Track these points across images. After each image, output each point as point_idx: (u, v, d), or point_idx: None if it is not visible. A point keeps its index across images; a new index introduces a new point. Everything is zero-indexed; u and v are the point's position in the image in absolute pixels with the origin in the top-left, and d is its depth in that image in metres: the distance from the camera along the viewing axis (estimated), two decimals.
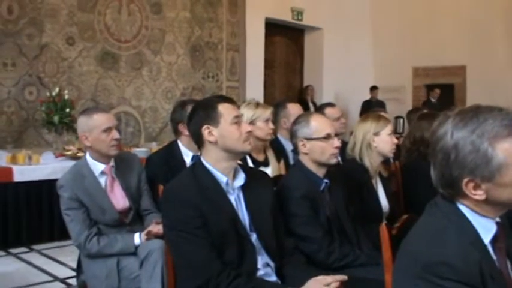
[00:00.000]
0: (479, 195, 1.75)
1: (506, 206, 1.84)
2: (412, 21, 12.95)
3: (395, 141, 3.99)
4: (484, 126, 1.73)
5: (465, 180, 1.74)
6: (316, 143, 3.36)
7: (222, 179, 2.82)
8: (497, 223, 1.84)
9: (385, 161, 4.24)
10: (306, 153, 3.39)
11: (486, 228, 1.81)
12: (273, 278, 2.87)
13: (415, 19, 12.93)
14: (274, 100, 10.85)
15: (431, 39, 12.69)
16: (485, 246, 1.80)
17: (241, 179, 2.88)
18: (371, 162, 3.90)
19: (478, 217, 1.81)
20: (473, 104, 1.86)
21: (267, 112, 4.36)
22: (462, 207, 1.82)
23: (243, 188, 2.89)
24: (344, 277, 2.71)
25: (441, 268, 1.68)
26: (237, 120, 2.86)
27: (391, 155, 4.04)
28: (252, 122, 4.18)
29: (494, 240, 1.84)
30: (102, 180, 3.76)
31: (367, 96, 12.82)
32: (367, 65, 13.47)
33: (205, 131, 2.81)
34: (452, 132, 1.76)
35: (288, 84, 13.02)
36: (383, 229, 2.31)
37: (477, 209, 1.81)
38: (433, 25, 12.74)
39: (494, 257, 1.84)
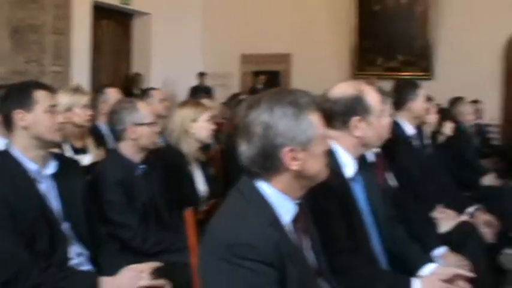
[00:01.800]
0: (296, 165, 1.86)
1: (313, 181, 1.98)
2: (241, 8, 13.17)
3: (213, 127, 4.06)
4: (299, 99, 1.89)
5: (286, 149, 1.85)
6: (145, 128, 3.37)
7: (32, 167, 2.73)
8: (297, 204, 1.96)
9: (205, 146, 4.30)
10: (135, 139, 3.36)
11: (286, 209, 1.93)
12: (87, 267, 2.84)
13: (245, 7, 13.15)
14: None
15: (259, 27, 12.97)
16: (284, 227, 1.90)
17: (52, 167, 2.81)
18: (189, 148, 3.95)
19: (281, 199, 1.91)
20: (280, 88, 1.99)
21: (85, 98, 4.26)
22: (266, 188, 1.91)
23: (55, 176, 2.82)
24: (158, 264, 2.74)
25: (242, 249, 1.75)
26: (52, 109, 2.78)
27: (208, 141, 4.12)
28: (69, 109, 4.07)
29: (294, 220, 1.95)
30: None
31: (196, 82, 12.91)
32: (196, 51, 13.53)
33: (17, 115, 2.71)
34: (270, 106, 1.86)
35: (116, 70, 12.76)
36: (187, 214, 2.36)
37: (285, 188, 1.92)
38: (261, 13, 13.02)
39: (295, 236, 1.95)
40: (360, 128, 2.54)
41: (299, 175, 1.90)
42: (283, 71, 13.38)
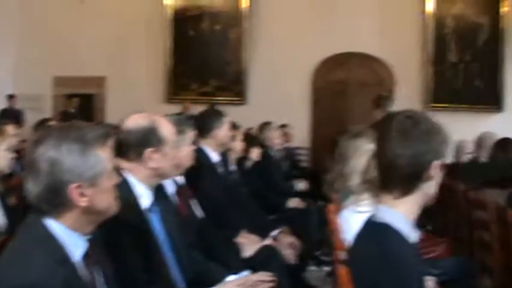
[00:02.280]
0: (84, 201, 1.84)
1: (103, 216, 1.96)
2: (54, 30, 12.70)
3: (12, 156, 3.90)
4: (86, 134, 1.87)
5: (73, 185, 1.82)
6: None
7: None
8: (88, 240, 1.93)
9: (8, 174, 4.12)
10: None
11: (77, 246, 1.89)
12: None
13: (58, 28, 12.69)
14: None
15: (73, 49, 12.61)
16: (73, 264, 1.86)
17: None
18: None
19: (70, 235, 1.87)
20: (70, 122, 1.96)
21: None
22: (55, 226, 1.86)
23: None
24: None
25: None
26: None
27: (8, 171, 3.94)
28: None
29: (85, 256, 1.92)
30: None
31: (5, 105, 12.30)
32: (6, 72, 12.92)
33: None
34: (57, 143, 1.83)
35: None
36: None
37: (75, 224, 1.88)
38: (75, 35, 12.67)
39: (86, 273, 1.91)
40: (154, 159, 2.54)
41: (88, 211, 1.88)
42: (98, 94, 13.16)
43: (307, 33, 11.86)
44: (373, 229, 1.92)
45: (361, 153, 3.62)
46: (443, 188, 5.47)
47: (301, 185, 7.13)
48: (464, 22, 11.94)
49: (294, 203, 5.87)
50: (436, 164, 1.87)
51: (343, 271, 1.97)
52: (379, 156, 1.90)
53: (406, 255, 1.81)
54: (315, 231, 5.80)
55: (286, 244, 4.18)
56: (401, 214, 1.89)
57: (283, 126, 9.53)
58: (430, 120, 1.90)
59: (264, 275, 2.79)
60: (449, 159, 7.41)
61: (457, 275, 3.53)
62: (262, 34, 12.16)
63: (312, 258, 5.78)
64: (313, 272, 5.76)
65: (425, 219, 6.20)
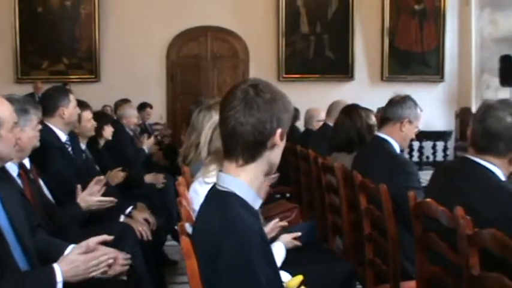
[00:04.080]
0: None
1: None
2: None
3: None
4: None
5: None
6: None
7: None
8: None
9: None
10: None
11: None
12: None
13: None
14: None
15: None
16: None
17: None
18: None
19: None
20: None
21: None
22: None
23: None
24: None
25: None
26: None
27: None
28: None
29: None
30: None
31: None
32: None
33: None
34: None
35: None
36: None
37: None
38: None
39: None
40: None
41: None
42: None
43: (160, 8, 11.68)
44: (216, 198, 1.94)
45: (212, 126, 3.64)
46: (297, 155, 5.64)
47: (148, 142, 7.14)
48: None
49: (150, 178, 5.82)
50: (279, 132, 1.91)
51: (186, 242, 1.96)
52: (223, 125, 1.91)
53: (248, 221, 1.83)
54: (173, 206, 5.78)
55: (141, 220, 4.12)
56: (244, 182, 1.92)
57: (143, 105, 9.46)
58: (273, 89, 1.92)
59: (104, 237, 2.72)
60: (301, 127, 7.65)
61: (309, 239, 3.63)
62: (114, 9, 11.83)
63: (171, 233, 5.77)
64: (172, 246, 5.75)
65: (283, 186, 6.40)
